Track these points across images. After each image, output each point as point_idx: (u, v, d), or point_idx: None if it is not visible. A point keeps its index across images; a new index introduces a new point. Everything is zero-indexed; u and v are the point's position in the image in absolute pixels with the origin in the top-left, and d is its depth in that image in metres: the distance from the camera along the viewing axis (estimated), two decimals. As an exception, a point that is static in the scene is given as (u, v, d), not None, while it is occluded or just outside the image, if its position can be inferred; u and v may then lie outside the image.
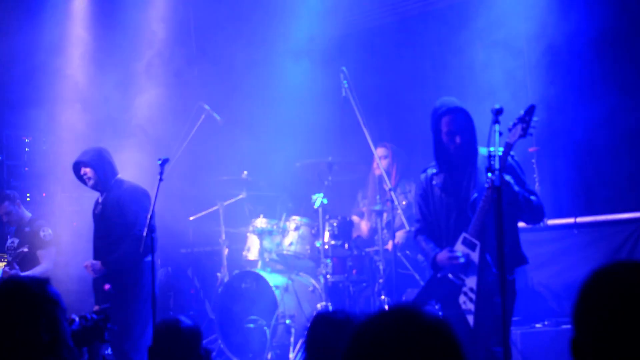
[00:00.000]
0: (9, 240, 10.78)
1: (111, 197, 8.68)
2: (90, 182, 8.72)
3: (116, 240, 8.62)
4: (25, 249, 10.47)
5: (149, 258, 8.11)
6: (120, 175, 8.88)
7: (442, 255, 6.74)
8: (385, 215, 9.50)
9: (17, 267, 10.29)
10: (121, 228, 8.58)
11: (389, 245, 9.40)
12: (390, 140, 10.72)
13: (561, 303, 9.58)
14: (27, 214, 10.83)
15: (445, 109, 6.81)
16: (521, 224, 6.94)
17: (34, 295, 3.88)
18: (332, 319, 4.60)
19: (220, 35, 12.11)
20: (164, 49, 12.13)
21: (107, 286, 8.31)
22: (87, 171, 8.68)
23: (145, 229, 8.00)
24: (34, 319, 3.82)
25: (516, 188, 6.45)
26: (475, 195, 6.66)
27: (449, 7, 11.33)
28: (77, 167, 8.78)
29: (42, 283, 3.96)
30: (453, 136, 6.79)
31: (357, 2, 11.71)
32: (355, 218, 10.57)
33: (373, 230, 10.36)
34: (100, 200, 8.86)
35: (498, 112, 5.94)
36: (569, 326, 8.68)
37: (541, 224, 9.19)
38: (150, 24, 12.22)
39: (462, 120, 6.77)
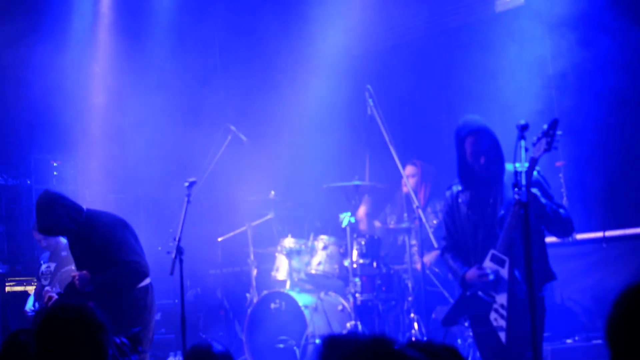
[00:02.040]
0: (44, 266, 10.84)
1: (89, 237, 7.93)
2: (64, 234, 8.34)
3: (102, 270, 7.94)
4: (71, 267, 10.52)
5: (146, 282, 8.04)
6: (87, 207, 8.11)
7: (472, 274, 6.71)
8: (413, 233, 9.49)
9: (57, 285, 10.33)
10: (105, 261, 7.85)
11: (418, 265, 9.38)
12: (418, 158, 10.69)
13: (592, 318, 9.53)
14: (63, 240, 10.85)
15: (468, 130, 6.78)
16: (550, 239, 6.91)
17: (88, 322, 4.01)
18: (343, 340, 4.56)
19: (245, 56, 12.18)
20: (189, 71, 12.22)
21: (90, 304, 7.88)
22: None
23: (174, 251, 7.99)
24: (86, 346, 3.97)
25: (543, 200, 6.43)
26: (503, 212, 6.64)
27: (474, 24, 11.33)
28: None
29: (91, 310, 4.09)
30: (478, 157, 6.75)
31: (381, 20, 11.72)
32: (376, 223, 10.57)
33: (399, 247, 10.34)
34: (76, 241, 8.11)
35: (523, 128, 5.94)
36: (600, 341, 8.67)
37: (570, 239, 9.16)
38: (175, 43, 12.32)
39: (485, 141, 6.73)
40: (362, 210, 10.54)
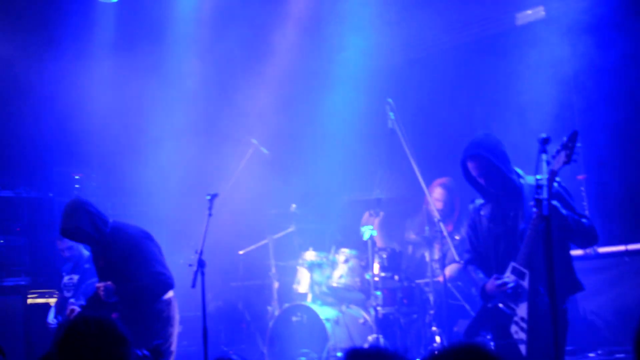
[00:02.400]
0: (66, 278, 10.87)
1: (114, 248, 7.98)
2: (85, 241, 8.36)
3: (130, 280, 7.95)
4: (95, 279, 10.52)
5: (169, 295, 8.02)
6: (113, 219, 8.17)
7: (491, 284, 6.71)
8: (436, 247, 9.45)
9: (82, 297, 10.34)
10: (130, 272, 7.89)
11: (440, 278, 9.35)
12: (440, 172, 10.61)
13: (614, 332, 9.47)
14: (85, 252, 10.87)
15: (466, 154, 6.87)
16: (575, 252, 6.88)
17: (109, 335, 4.02)
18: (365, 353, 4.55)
19: (266, 71, 12.20)
20: (210, 85, 12.25)
21: (114, 315, 7.89)
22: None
23: (195, 264, 8.01)
24: (108, 359, 3.98)
25: (564, 212, 6.41)
26: (524, 225, 6.62)
27: (493, 36, 11.32)
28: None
29: (112, 322, 4.09)
30: (479, 178, 6.88)
31: (400, 35, 11.72)
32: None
33: (418, 261, 10.31)
34: (100, 252, 8.16)
35: (545, 142, 5.94)
36: (622, 355, 8.63)
37: (592, 251, 9.12)
38: (196, 58, 12.36)
39: (482, 165, 6.78)
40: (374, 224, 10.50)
